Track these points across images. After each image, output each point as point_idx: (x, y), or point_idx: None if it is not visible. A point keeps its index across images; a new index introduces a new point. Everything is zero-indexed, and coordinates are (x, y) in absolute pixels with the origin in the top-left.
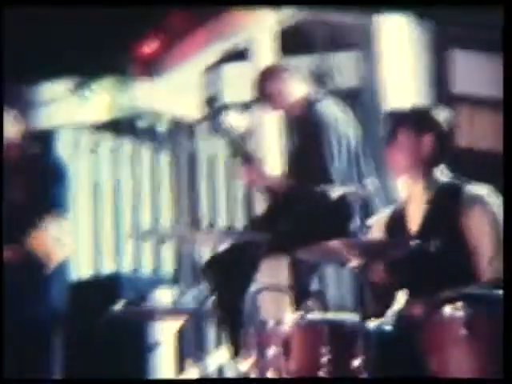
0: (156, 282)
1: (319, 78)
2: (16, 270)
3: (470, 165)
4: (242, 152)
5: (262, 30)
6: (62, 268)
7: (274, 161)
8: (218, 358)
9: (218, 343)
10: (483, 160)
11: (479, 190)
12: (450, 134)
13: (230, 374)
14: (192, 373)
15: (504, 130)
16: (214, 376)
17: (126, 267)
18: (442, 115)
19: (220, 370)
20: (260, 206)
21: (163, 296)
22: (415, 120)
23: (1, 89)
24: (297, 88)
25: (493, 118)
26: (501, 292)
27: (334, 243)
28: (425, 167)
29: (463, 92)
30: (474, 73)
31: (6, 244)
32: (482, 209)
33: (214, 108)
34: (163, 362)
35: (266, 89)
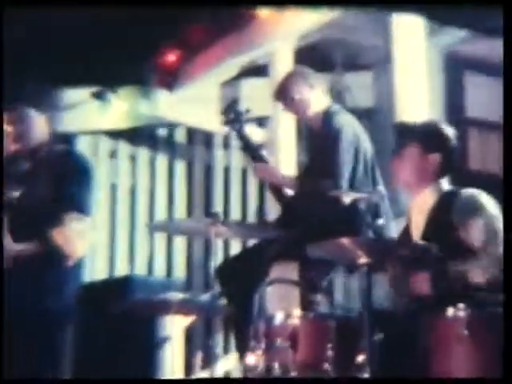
0: (168, 286)
1: (336, 96)
2: (35, 264)
3: (478, 185)
4: (255, 152)
5: (280, 46)
6: (78, 265)
7: (289, 170)
8: (226, 363)
9: (226, 348)
10: (492, 182)
11: (473, 191)
12: (456, 154)
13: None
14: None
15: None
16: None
17: (140, 271)
18: (449, 134)
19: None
20: (273, 213)
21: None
22: (423, 137)
23: (1, 89)
24: (319, 98)
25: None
26: (500, 295)
27: (344, 241)
28: (429, 182)
29: (474, 116)
30: (486, 97)
31: (29, 238)
32: (475, 207)
33: (235, 111)
34: (172, 360)
35: (291, 92)
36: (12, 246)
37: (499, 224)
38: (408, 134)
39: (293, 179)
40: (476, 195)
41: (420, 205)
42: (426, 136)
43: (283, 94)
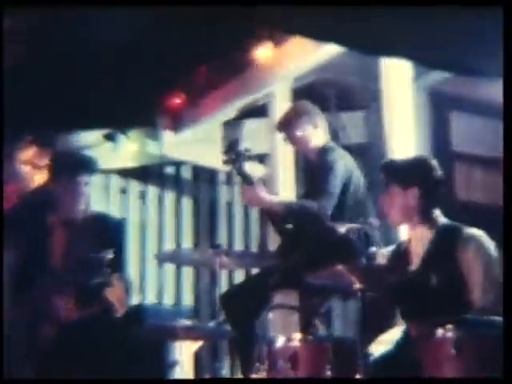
0: (177, 313)
1: (332, 133)
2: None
3: (467, 215)
4: (244, 176)
5: (279, 87)
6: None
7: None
8: None
9: (232, 371)
10: (479, 211)
11: (475, 231)
12: (440, 185)
13: None
14: None
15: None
16: None
17: (150, 300)
18: (428, 167)
19: None
20: (274, 244)
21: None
22: (400, 174)
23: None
24: (319, 136)
25: (488, 174)
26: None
27: (340, 268)
28: (418, 215)
29: (461, 150)
30: (470, 133)
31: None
32: (478, 246)
33: (235, 151)
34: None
35: (294, 127)
36: (78, 313)
37: (497, 265)
38: (388, 173)
39: (280, 202)
40: (478, 236)
41: (418, 237)
42: (403, 173)
43: (287, 127)
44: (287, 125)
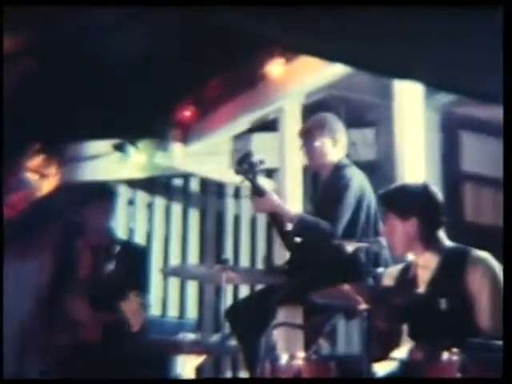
0: (180, 326)
1: None
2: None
3: (473, 236)
4: (257, 188)
5: (289, 103)
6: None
7: None
8: None
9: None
10: (486, 233)
11: (482, 254)
12: (441, 210)
13: None
14: None
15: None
16: None
17: (154, 312)
18: (426, 195)
19: None
20: (280, 259)
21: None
22: (396, 205)
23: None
24: (336, 153)
25: (496, 195)
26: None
27: (345, 287)
28: (421, 244)
29: (470, 170)
30: (480, 153)
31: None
32: (485, 269)
33: (249, 163)
34: None
35: (313, 137)
36: (91, 316)
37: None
38: (386, 204)
39: (294, 213)
40: (486, 259)
41: (423, 263)
42: (400, 203)
43: (306, 135)
44: (307, 133)
